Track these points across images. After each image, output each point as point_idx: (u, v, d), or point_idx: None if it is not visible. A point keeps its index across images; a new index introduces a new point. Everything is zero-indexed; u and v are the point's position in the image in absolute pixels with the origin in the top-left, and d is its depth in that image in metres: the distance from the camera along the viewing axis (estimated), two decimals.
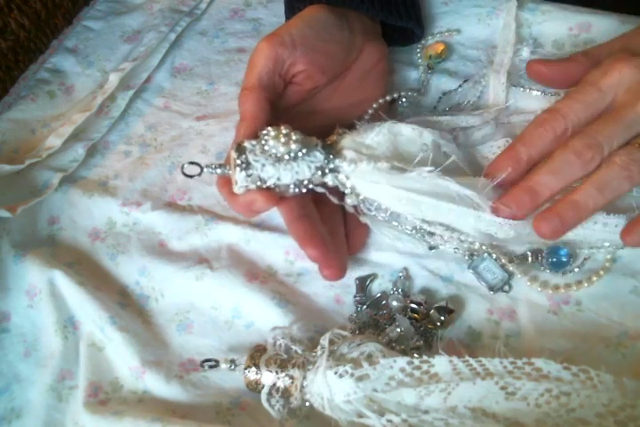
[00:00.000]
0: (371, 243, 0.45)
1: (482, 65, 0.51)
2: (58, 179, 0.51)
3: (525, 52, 0.50)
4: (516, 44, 0.50)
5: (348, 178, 0.39)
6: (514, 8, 0.51)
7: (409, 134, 0.40)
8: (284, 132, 0.38)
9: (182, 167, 0.39)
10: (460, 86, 0.51)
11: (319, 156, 0.39)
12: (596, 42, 0.50)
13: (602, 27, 0.50)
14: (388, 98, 0.48)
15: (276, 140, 0.38)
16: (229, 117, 0.53)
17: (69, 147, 0.53)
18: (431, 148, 0.41)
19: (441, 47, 0.52)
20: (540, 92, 0.48)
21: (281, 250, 0.46)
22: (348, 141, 0.40)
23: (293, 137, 0.38)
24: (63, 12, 0.61)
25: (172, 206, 0.50)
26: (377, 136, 0.40)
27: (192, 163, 0.39)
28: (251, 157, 0.38)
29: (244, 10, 0.61)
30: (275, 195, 0.39)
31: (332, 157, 0.39)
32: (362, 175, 0.39)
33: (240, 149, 0.39)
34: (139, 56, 0.56)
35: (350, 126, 0.42)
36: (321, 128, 0.45)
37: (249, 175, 0.38)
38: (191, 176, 0.39)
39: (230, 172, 0.39)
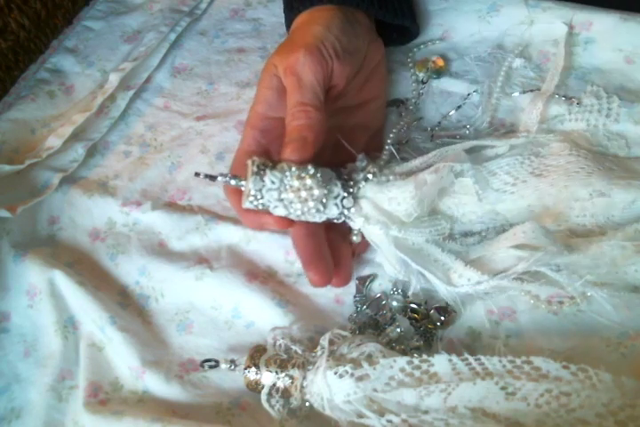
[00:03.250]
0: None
1: (484, 66, 0.51)
2: (58, 179, 0.51)
3: (517, 63, 0.50)
4: (509, 52, 0.50)
5: (357, 230, 0.41)
6: (565, 36, 0.49)
7: (432, 181, 0.40)
8: (307, 184, 0.37)
9: (196, 173, 0.39)
10: (464, 100, 0.50)
11: (335, 211, 0.39)
12: (596, 41, 0.49)
13: (603, 25, 0.49)
14: (395, 131, 0.47)
15: (295, 195, 0.37)
16: (229, 117, 0.53)
17: (69, 147, 0.53)
18: (445, 175, 0.41)
19: (440, 63, 0.51)
20: (518, 93, 0.48)
21: (281, 250, 0.46)
22: (370, 191, 0.40)
23: (315, 193, 0.37)
24: (63, 12, 0.61)
25: (172, 206, 0.50)
26: (403, 193, 0.40)
27: (207, 175, 0.39)
28: (267, 196, 0.38)
29: (244, 10, 0.61)
30: (289, 222, 0.39)
31: (347, 211, 0.39)
32: (368, 233, 0.40)
33: (257, 183, 0.38)
34: (139, 56, 0.56)
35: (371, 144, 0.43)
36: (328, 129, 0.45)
37: (257, 206, 0.38)
38: (203, 178, 0.39)
39: (243, 188, 0.39)
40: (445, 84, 0.52)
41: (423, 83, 0.51)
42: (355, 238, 0.42)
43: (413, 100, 0.51)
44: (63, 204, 0.51)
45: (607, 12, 0.50)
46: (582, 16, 0.50)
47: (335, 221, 0.40)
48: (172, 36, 0.59)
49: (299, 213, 0.38)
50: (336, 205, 0.39)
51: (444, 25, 0.54)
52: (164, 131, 0.54)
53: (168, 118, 0.55)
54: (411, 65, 0.53)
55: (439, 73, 0.51)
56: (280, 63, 0.42)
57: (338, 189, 0.39)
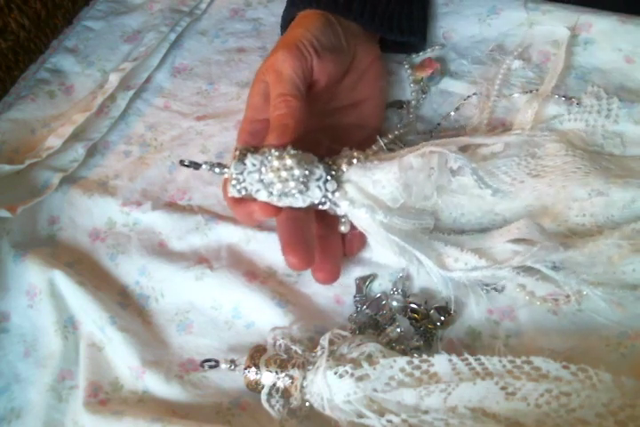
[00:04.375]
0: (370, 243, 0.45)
1: (483, 67, 0.51)
2: (58, 179, 0.51)
3: (516, 64, 0.50)
4: (508, 54, 0.50)
5: (344, 219, 0.41)
6: (566, 39, 0.49)
7: (418, 165, 0.40)
8: (287, 164, 0.37)
9: (181, 161, 0.40)
10: (462, 101, 0.50)
11: (318, 193, 0.39)
12: (596, 42, 0.50)
13: (602, 26, 0.50)
14: (391, 136, 0.47)
15: (275, 175, 0.37)
16: (229, 117, 0.53)
17: (69, 147, 0.53)
18: (437, 168, 0.41)
19: (430, 70, 0.50)
20: (517, 94, 0.49)
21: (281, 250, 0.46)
22: (354, 174, 0.40)
23: (295, 172, 0.37)
24: (63, 12, 0.61)
25: (172, 206, 0.50)
26: (387, 175, 0.40)
27: (192, 162, 0.40)
28: (248, 180, 0.38)
29: (244, 10, 0.61)
30: (274, 209, 0.39)
31: (330, 195, 0.39)
32: (356, 218, 0.40)
33: (239, 167, 0.38)
34: (139, 56, 0.56)
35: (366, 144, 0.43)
36: (320, 130, 0.46)
37: (240, 192, 0.39)
38: (187, 166, 0.40)
39: (226, 176, 0.39)
40: (445, 84, 0.52)
41: (424, 93, 0.51)
42: (343, 228, 0.41)
43: (413, 103, 0.51)
44: (63, 204, 0.51)
45: (606, 15, 0.50)
46: (581, 18, 0.50)
47: (320, 206, 0.40)
48: (172, 36, 0.59)
49: (279, 193, 0.38)
50: (319, 187, 0.39)
51: (445, 27, 0.54)
52: (164, 131, 0.54)
53: (168, 118, 0.55)
54: (407, 66, 0.52)
55: (434, 79, 0.51)
56: (264, 65, 0.43)
57: (320, 171, 0.39)
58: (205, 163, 0.39)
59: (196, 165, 0.40)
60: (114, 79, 0.54)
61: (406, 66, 0.53)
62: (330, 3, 0.46)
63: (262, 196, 0.39)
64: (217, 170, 0.39)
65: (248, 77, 0.56)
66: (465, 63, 0.52)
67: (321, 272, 0.42)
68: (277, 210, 0.39)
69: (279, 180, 0.38)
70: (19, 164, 0.50)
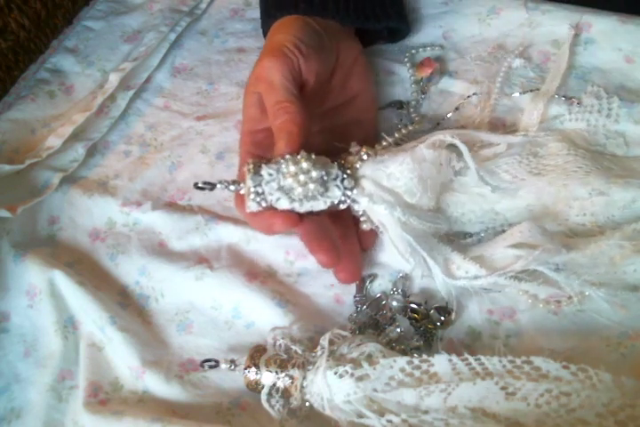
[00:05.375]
0: None
1: (484, 66, 0.51)
2: (58, 179, 0.51)
3: (517, 63, 0.50)
4: (509, 53, 0.50)
5: (363, 212, 0.40)
6: (570, 38, 0.49)
7: (431, 158, 0.40)
8: (303, 167, 0.37)
9: (195, 184, 0.39)
10: (462, 101, 0.50)
11: (337, 193, 0.39)
12: (596, 41, 0.50)
13: (602, 26, 0.50)
14: (397, 135, 0.46)
15: (294, 180, 0.37)
16: (229, 117, 0.53)
17: (69, 147, 0.53)
18: (444, 165, 0.41)
19: (430, 70, 0.50)
20: (517, 93, 0.49)
21: (281, 250, 0.46)
22: (368, 169, 0.40)
23: (313, 174, 0.37)
24: (63, 12, 0.61)
25: (172, 206, 0.50)
26: (400, 166, 0.39)
27: (206, 182, 0.39)
28: (267, 190, 0.38)
29: (244, 10, 0.61)
30: (295, 218, 0.39)
31: (350, 193, 0.39)
32: (376, 214, 0.40)
33: (256, 179, 0.38)
34: (139, 56, 0.56)
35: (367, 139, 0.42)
36: (318, 133, 0.46)
37: (261, 205, 0.38)
38: (202, 188, 0.39)
39: (243, 191, 0.39)
40: (445, 84, 0.52)
41: (423, 93, 0.51)
42: (365, 226, 0.41)
43: (413, 103, 0.51)
44: (63, 204, 0.51)
45: (606, 15, 0.50)
46: (581, 18, 0.50)
47: (341, 205, 0.40)
48: (172, 36, 0.59)
49: (301, 197, 0.38)
50: (337, 186, 0.39)
51: (444, 26, 0.54)
52: (164, 131, 0.54)
53: (168, 118, 0.55)
54: (408, 65, 0.52)
55: (434, 79, 0.51)
56: (252, 76, 0.43)
57: (336, 171, 0.39)
58: (220, 182, 0.39)
59: (211, 186, 0.39)
60: (114, 79, 0.54)
61: (407, 65, 0.53)
62: (306, 7, 0.46)
63: (283, 204, 0.38)
64: (232, 187, 0.39)
65: (248, 77, 0.56)
66: (469, 60, 0.52)
67: (343, 273, 0.42)
68: (299, 219, 0.39)
69: (299, 184, 0.37)
70: (19, 164, 0.50)
